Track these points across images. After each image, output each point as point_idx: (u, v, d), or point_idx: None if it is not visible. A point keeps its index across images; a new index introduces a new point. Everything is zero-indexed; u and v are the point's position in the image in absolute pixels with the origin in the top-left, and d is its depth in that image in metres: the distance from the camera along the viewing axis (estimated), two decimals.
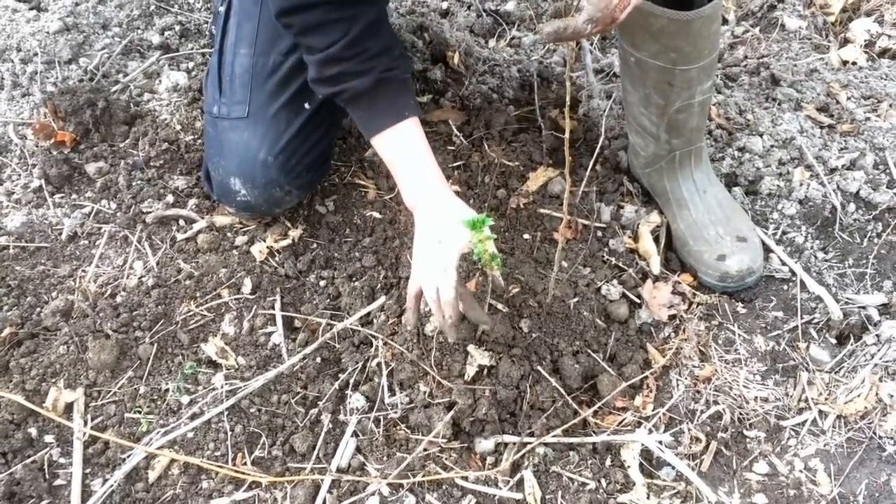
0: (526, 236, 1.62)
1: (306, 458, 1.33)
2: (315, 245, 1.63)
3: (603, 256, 1.62)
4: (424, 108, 1.88)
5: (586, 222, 1.66)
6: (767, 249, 1.65)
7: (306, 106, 1.51)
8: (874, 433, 1.36)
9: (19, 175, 1.67)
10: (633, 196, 1.76)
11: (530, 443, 1.32)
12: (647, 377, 1.45)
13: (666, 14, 1.30)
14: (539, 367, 1.39)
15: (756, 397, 1.43)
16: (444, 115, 1.86)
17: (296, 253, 1.61)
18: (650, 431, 1.37)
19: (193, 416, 1.36)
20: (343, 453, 1.33)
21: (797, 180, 1.75)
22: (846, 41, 2.25)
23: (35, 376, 1.36)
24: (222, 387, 1.39)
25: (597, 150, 1.50)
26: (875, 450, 1.35)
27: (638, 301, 1.56)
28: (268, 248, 1.59)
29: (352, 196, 1.70)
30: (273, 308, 1.51)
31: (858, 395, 1.40)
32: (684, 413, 1.41)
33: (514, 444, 1.33)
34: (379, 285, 1.54)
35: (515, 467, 1.32)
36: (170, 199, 1.65)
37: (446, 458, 1.32)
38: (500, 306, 1.44)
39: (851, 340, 1.51)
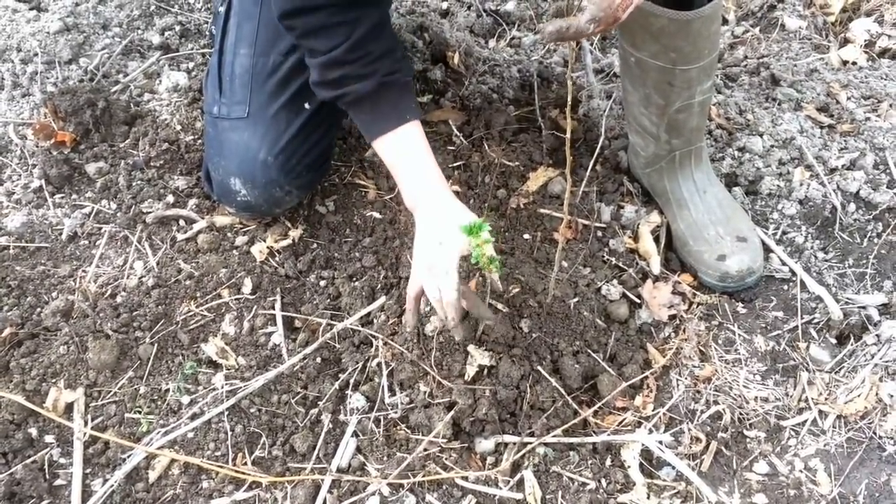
0: (526, 236, 1.62)
1: (306, 458, 1.33)
2: (315, 245, 1.63)
3: (603, 256, 1.62)
4: (424, 108, 1.88)
5: (586, 222, 1.66)
6: (767, 249, 1.65)
7: (306, 106, 1.51)
8: (874, 433, 1.36)
9: (19, 175, 1.67)
10: (633, 196, 1.76)
11: (530, 443, 1.32)
12: (647, 377, 1.45)
13: (666, 14, 1.30)
14: (539, 367, 1.39)
15: (756, 397, 1.43)
16: (444, 115, 1.86)
17: (296, 253, 1.61)
18: (650, 431, 1.37)
19: (194, 416, 1.36)
20: (343, 453, 1.33)
21: (797, 180, 1.75)
22: (846, 41, 2.25)
23: (35, 376, 1.36)
24: (222, 387, 1.39)
25: (597, 150, 1.50)
26: (875, 450, 1.35)
27: (638, 301, 1.56)
28: (268, 248, 1.59)
29: (352, 196, 1.70)
30: (273, 308, 1.51)
31: (858, 395, 1.40)
32: (684, 413, 1.41)
33: (515, 444, 1.33)
34: (379, 285, 1.54)
35: (516, 467, 1.32)
36: (170, 199, 1.65)
37: (446, 458, 1.32)
38: (500, 306, 1.44)
39: (851, 340, 1.51)
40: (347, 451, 1.33)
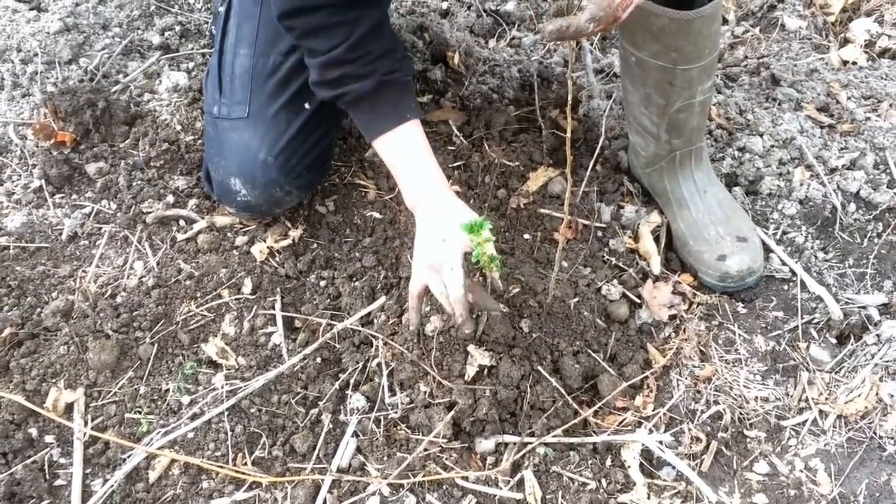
0: (526, 236, 1.62)
1: (307, 459, 1.33)
2: (315, 245, 1.63)
3: (603, 256, 1.62)
4: (424, 108, 1.88)
5: (587, 222, 1.66)
6: (768, 249, 1.65)
7: (306, 106, 1.51)
8: (874, 433, 1.36)
9: (19, 175, 1.67)
10: (633, 196, 1.76)
11: (531, 443, 1.32)
12: (647, 377, 1.45)
13: (667, 13, 1.30)
14: (539, 367, 1.39)
15: (756, 397, 1.43)
16: (444, 115, 1.86)
17: (296, 253, 1.61)
18: (650, 431, 1.37)
19: (194, 417, 1.36)
20: (343, 453, 1.33)
21: (797, 180, 1.75)
22: (846, 41, 2.25)
23: (35, 376, 1.36)
24: (222, 387, 1.39)
25: (597, 150, 1.50)
26: (875, 450, 1.35)
27: (638, 301, 1.56)
28: (268, 248, 1.59)
29: (352, 196, 1.70)
30: (273, 308, 1.51)
31: (859, 395, 1.40)
32: (685, 413, 1.41)
33: (515, 444, 1.33)
34: (379, 285, 1.54)
35: (516, 467, 1.32)
36: (170, 199, 1.65)
37: (447, 459, 1.31)
38: (500, 306, 1.44)
39: (852, 340, 1.51)
40: (347, 451, 1.33)
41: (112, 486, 1.27)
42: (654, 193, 1.74)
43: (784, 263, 1.64)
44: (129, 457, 1.31)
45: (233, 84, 1.53)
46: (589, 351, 1.45)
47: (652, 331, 1.54)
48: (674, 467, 1.33)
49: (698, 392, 1.44)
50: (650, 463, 1.35)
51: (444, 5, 2.26)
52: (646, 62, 1.42)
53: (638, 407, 1.42)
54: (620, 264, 1.61)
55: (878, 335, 1.48)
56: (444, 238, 1.26)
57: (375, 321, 1.47)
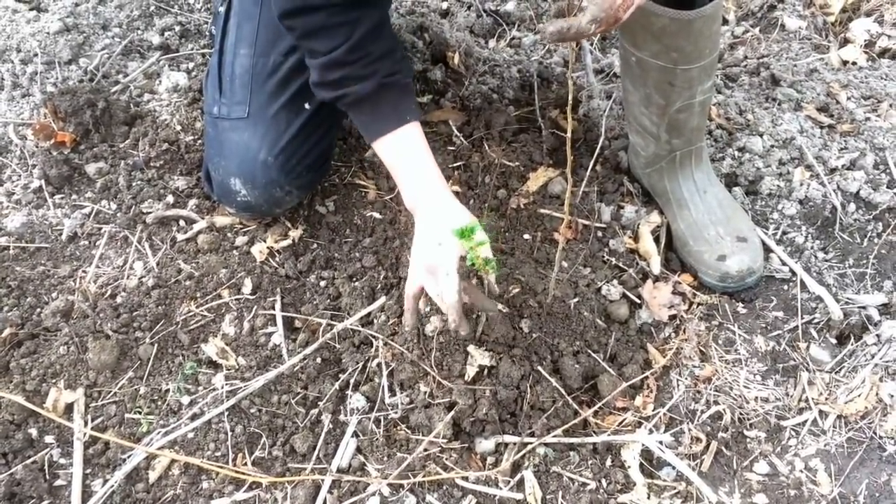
0: (526, 236, 1.62)
1: (307, 459, 1.33)
2: (315, 245, 1.63)
3: (603, 257, 1.62)
4: (424, 108, 1.88)
5: (587, 222, 1.66)
6: (767, 249, 1.65)
7: (306, 106, 1.51)
8: (874, 433, 1.36)
9: (19, 175, 1.67)
10: (633, 196, 1.76)
11: (531, 443, 1.32)
12: (647, 377, 1.45)
13: (667, 13, 1.30)
14: (539, 368, 1.39)
15: (756, 397, 1.43)
16: (444, 115, 1.86)
17: (296, 253, 1.61)
18: (650, 431, 1.37)
19: (194, 417, 1.36)
20: (343, 453, 1.33)
21: (797, 180, 1.75)
22: (846, 41, 2.25)
23: (35, 377, 1.36)
24: (222, 387, 1.39)
25: (597, 151, 1.50)
26: (875, 450, 1.35)
27: (638, 301, 1.56)
28: (268, 248, 1.59)
29: (352, 196, 1.70)
30: (273, 308, 1.51)
31: (859, 395, 1.40)
32: (685, 413, 1.41)
33: (515, 444, 1.33)
34: (379, 285, 1.54)
35: (516, 467, 1.32)
36: (170, 199, 1.65)
37: (447, 459, 1.31)
38: (500, 307, 1.44)
39: (852, 340, 1.51)
40: (347, 451, 1.33)
41: (112, 486, 1.27)
42: (654, 193, 1.74)
43: (784, 263, 1.64)
44: (129, 457, 1.31)
45: (233, 84, 1.53)
46: (589, 351, 1.45)
47: (652, 331, 1.54)
48: (674, 467, 1.33)
49: (698, 392, 1.44)
50: (650, 463, 1.35)
51: (444, 5, 2.26)
52: (646, 62, 1.42)
53: (638, 407, 1.42)
54: (620, 264, 1.61)
55: (878, 335, 1.48)
56: (441, 241, 1.26)
57: (375, 321, 1.47)
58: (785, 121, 1.88)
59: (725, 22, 2.31)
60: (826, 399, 1.42)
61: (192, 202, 1.66)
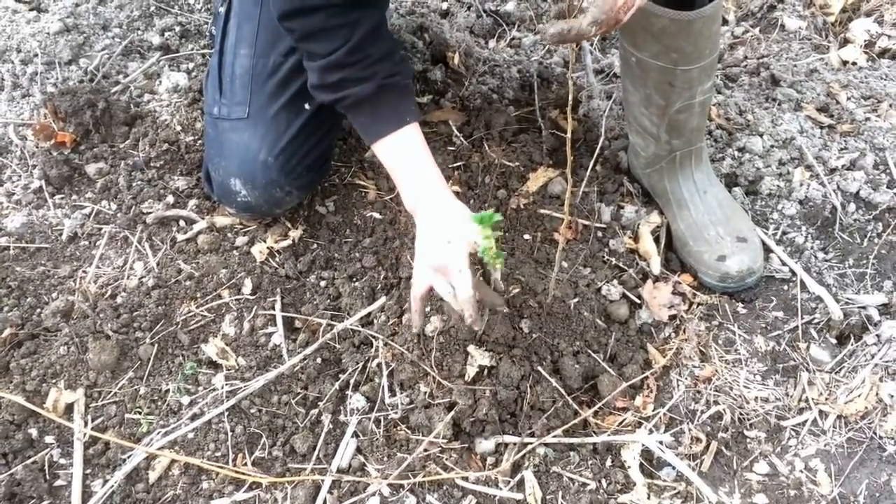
0: (526, 237, 1.62)
1: (307, 459, 1.33)
2: (315, 245, 1.63)
3: (603, 257, 1.62)
4: (424, 108, 1.88)
5: (586, 223, 1.66)
6: (767, 250, 1.65)
7: (306, 107, 1.51)
8: (874, 433, 1.36)
9: (19, 176, 1.67)
10: (633, 196, 1.76)
11: (531, 443, 1.32)
12: (647, 377, 1.45)
13: (667, 14, 1.30)
14: (539, 368, 1.39)
15: (756, 397, 1.43)
16: (444, 115, 1.86)
17: (296, 253, 1.61)
18: (650, 432, 1.37)
19: (194, 417, 1.36)
20: (343, 454, 1.33)
21: (797, 180, 1.75)
22: (846, 41, 2.25)
23: (35, 377, 1.36)
24: (223, 387, 1.39)
25: (597, 151, 1.50)
26: (875, 450, 1.35)
27: (638, 301, 1.56)
28: (268, 248, 1.59)
29: (352, 197, 1.70)
30: (273, 308, 1.51)
31: (859, 396, 1.40)
32: (685, 413, 1.41)
33: (515, 444, 1.33)
34: (379, 286, 1.54)
35: (516, 468, 1.32)
36: (170, 199, 1.65)
37: (447, 459, 1.31)
38: (504, 301, 1.44)
39: (852, 340, 1.51)
40: (348, 451, 1.33)
41: (112, 486, 1.27)
42: (654, 194, 1.74)
43: (784, 263, 1.64)
44: (129, 457, 1.31)
45: (233, 85, 1.53)
46: (589, 351, 1.45)
47: (652, 331, 1.54)
48: (674, 467, 1.33)
49: (698, 392, 1.44)
50: (650, 463, 1.35)
51: (444, 5, 2.26)
52: (646, 63, 1.42)
53: (638, 407, 1.42)
54: (620, 264, 1.61)
55: (878, 335, 1.48)
56: (449, 240, 1.26)
57: (375, 321, 1.47)
58: (785, 121, 1.88)
59: (725, 22, 2.31)
60: (826, 399, 1.42)
61: (192, 202, 1.66)
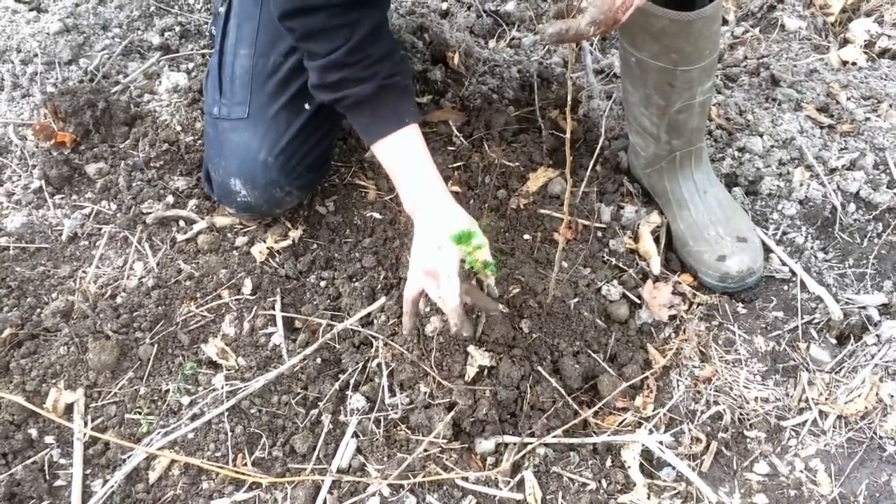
0: (526, 237, 1.62)
1: (307, 459, 1.33)
2: (315, 246, 1.63)
3: (603, 257, 1.62)
4: (424, 108, 1.88)
5: (586, 223, 1.66)
6: (767, 250, 1.65)
7: (306, 107, 1.51)
8: (874, 433, 1.36)
9: (19, 176, 1.67)
10: (633, 196, 1.76)
11: (531, 443, 1.32)
12: (647, 377, 1.45)
13: (667, 15, 1.30)
14: (539, 368, 1.39)
15: (756, 397, 1.43)
16: (444, 115, 1.86)
17: (296, 253, 1.61)
18: (651, 432, 1.37)
19: (194, 417, 1.36)
20: (343, 454, 1.33)
21: (797, 180, 1.75)
22: (846, 41, 2.25)
23: (35, 377, 1.36)
24: (222, 387, 1.39)
25: (597, 151, 1.50)
26: (875, 450, 1.35)
27: (638, 301, 1.56)
28: (268, 248, 1.59)
29: (352, 197, 1.70)
30: (273, 309, 1.51)
31: (859, 396, 1.40)
32: (685, 413, 1.41)
33: (515, 444, 1.33)
34: (379, 286, 1.54)
35: (516, 468, 1.32)
36: (170, 199, 1.65)
37: (447, 459, 1.31)
38: (500, 306, 1.44)
39: (852, 340, 1.51)
40: (348, 451, 1.33)
41: (112, 486, 1.27)
42: (654, 194, 1.74)
43: (784, 264, 1.64)
44: (129, 457, 1.31)
45: (233, 85, 1.53)
46: (589, 351, 1.45)
47: (652, 331, 1.54)
48: (674, 468, 1.33)
49: (698, 392, 1.44)
50: (650, 463, 1.35)
51: (444, 5, 2.26)
52: (646, 63, 1.42)
53: (638, 407, 1.42)
54: (620, 265, 1.61)
55: (878, 335, 1.48)
56: (441, 245, 1.25)
57: (375, 322, 1.47)
58: (785, 121, 1.88)
59: (725, 22, 2.31)
60: (826, 399, 1.42)
61: (192, 202, 1.66)
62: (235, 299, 1.51)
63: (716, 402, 1.42)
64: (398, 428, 1.36)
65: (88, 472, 1.30)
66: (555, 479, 1.31)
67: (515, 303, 1.45)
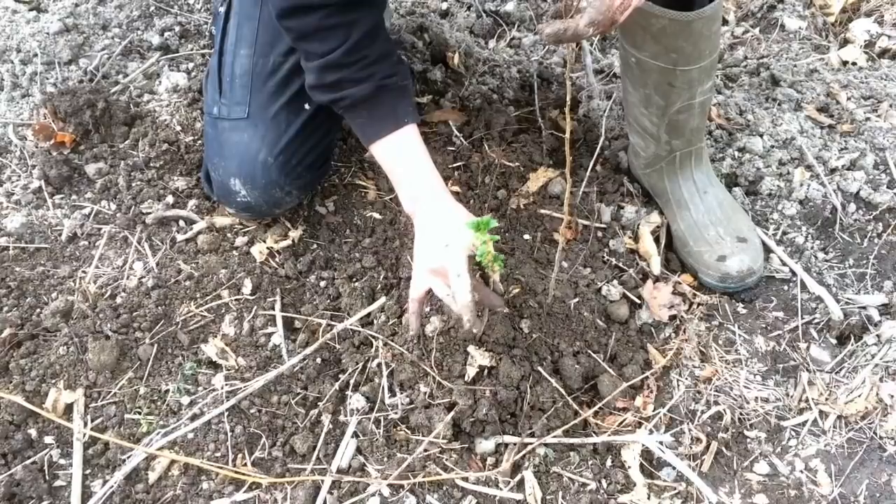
0: (526, 237, 1.62)
1: (306, 459, 1.33)
2: (315, 246, 1.63)
3: (603, 257, 1.62)
4: (424, 108, 1.88)
5: (587, 223, 1.66)
6: (768, 250, 1.65)
7: (306, 107, 1.51)
8: (875, 433, 1.36)
9: (19, 176, 1.67)
10: (633, 196, 1.76)
11: (531, 443, 1.32)
12: (647, 378, 1.45)
13: (667, 14, 1.30)
14: (539, 368, 1.39)
15: (756, 397, 1.43)
16: (444, 115, 1.86)
17: (296, 253, 1.61)
18: (651, 432, 1.37)
19: (194, 417, 1.35)
20: (343, 454, 1.33)
21: (797, 180, 1.75)
22: (846, 41, 2.25)
23: (35, 377, 1.36)
24: (222, 387, 1.39)
25: (597, 151, 1.50)
26: (876, 450, 1.35)
27: (638, 301, 1.56)
28: (268, 248, 1.59)
29: (352, 197, 1.70)
30: (273, 309, 1.51)
31: (859, 396, 1.40)
32: (685, 413, 1.41)
33: (515, 444, 1.33)
34: (379, 286, 1.54)
35: (516, 468, 1.32)
36: (170, 199, 1.65)
37: (447, 459, 1.31)
38: (504, 303, 1.44)
39: (852, 341, 1.51)
40: (347, 451, 1.33)
41: (112, 486, 1.27)
42: (654, 194, 1.74)
43: (784, 264, 1.64)
44: (128, 457, 1.30)
45: (233, 85, 1.53)
46: (589, 351, 1.45)
47: (652, 331, 1.54)
48: (674, 468, 1.33)
49: (698, 392, 1.43)
50: (650, 463, 1.35)
51: (444, 5, 2.26)
52: (646, 63, 1.42)
53: (638, 407, 1.42)
54: (620, 265, 1.61)
55: (878, 335, 1.48)
56: (447, 243, 1.25)
57: (375, 322, 1.47)
58: (785, 121, 1.88)
59: (725, 22, 2.31)
60: (826, 399, 1.42)
61: (192, 202, 1.66)
62: (235, 299, 1.51)
63: (716, 402, 1.41)
64: (398, 428, 1.36)
65: (88, 472, 1.29)
66: (555, 479, 1.31)
67: (515, 303, 1.45)
